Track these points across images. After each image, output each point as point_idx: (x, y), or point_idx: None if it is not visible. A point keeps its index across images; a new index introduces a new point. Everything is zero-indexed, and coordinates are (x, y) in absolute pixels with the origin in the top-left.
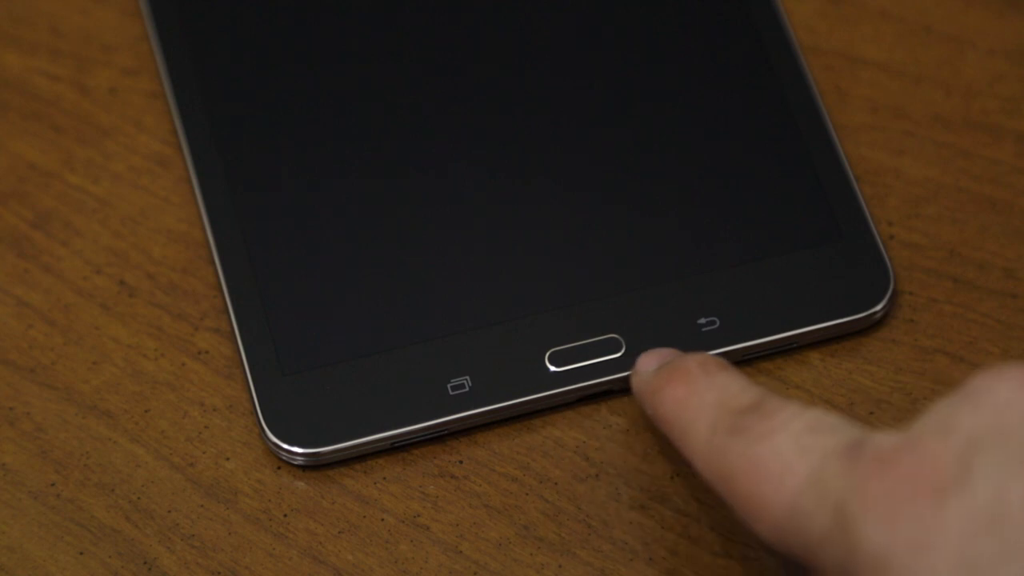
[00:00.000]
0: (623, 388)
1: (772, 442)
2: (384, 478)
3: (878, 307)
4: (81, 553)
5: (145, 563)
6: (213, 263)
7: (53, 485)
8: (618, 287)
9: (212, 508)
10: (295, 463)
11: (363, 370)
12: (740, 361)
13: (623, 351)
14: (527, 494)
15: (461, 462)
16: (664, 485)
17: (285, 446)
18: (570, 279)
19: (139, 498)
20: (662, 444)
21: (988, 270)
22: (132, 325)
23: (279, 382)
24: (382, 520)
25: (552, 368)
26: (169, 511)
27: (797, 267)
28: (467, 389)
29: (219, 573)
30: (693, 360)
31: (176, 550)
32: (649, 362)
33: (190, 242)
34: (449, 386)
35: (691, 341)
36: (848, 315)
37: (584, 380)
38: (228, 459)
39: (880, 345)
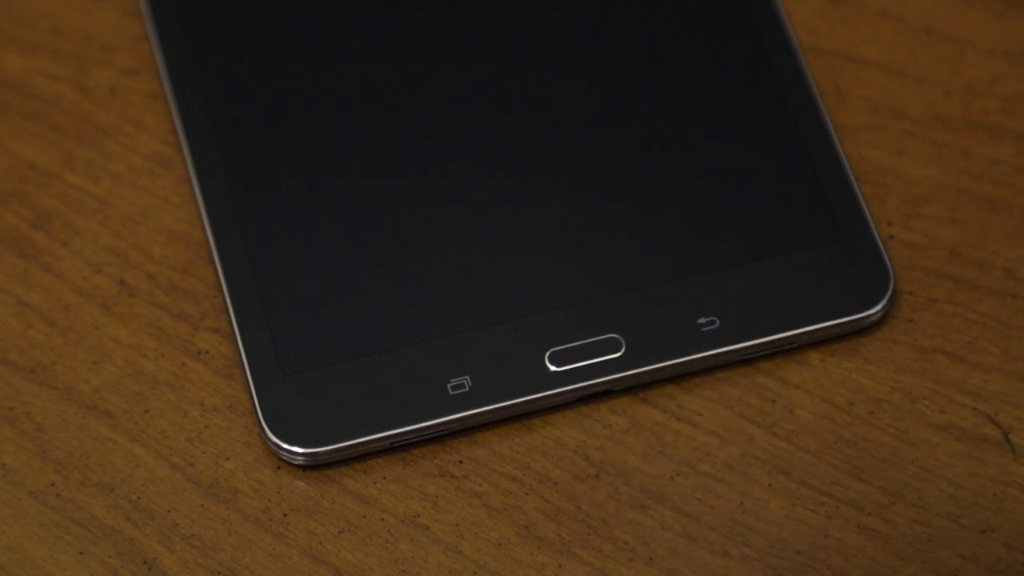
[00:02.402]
0: (623, 388)
1: None
2: (384, 478)
3: (878, 307)
4: (81, 553)
5: (145, 563)
6: (213, 263)
7: (53, 485)
8: (618, 287)
9: (212, 508)
10: (295, 463)
11: (363, 370)
12: (740, 361)
13: (623, 351)
14: (527, 494)
15: (461, 462)
16: (664, 485)
17: (285, 446)
18: (570, 279)
19: (139, 498)
20: (662, 444)
21: (988, 270)
22: (132, 325)
23: (279, 382)
24: (382, 520)
25: (552, 368)
26: (169, 511)
27: (797, 267)
28: (467, 389)
29: (219, 573)
30: None
31: (176, 550)
32: None
33: (190, 242)
34: (449, 386)
35: (691, 341)
36: (848, 315)
37: (584, 380)
38: (228, 459)
39: (880, 345)
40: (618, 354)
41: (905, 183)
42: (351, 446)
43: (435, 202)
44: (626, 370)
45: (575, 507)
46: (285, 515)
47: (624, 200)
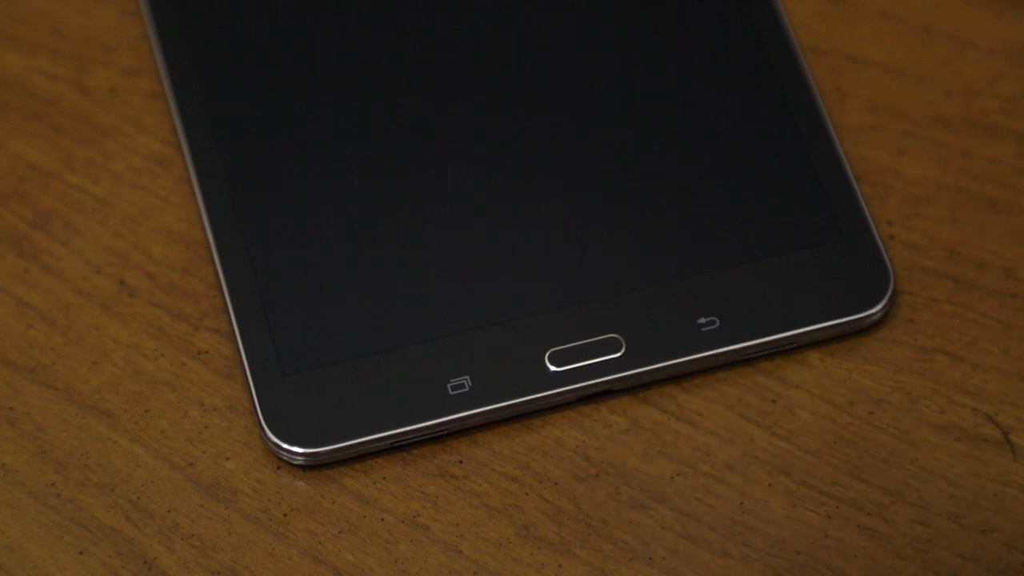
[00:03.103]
0: (623, 388)
1: None
2: (384, 478)
3: (878, 307)
4: (81, 553)
5: (145, 563)
6: (213, 263)
7: (53, 485)
8: (618, 287)
9: (212, 508)
10: (295, 463)
11: (363, 370)
12: (740, 361)
13: (623, 351)
14: (527, 494)
15: (461, 462)
16: (664, 485)
17: (285, 446)
18: (570, 279)
19: (139, 498)
20: (662, 444)
21: (988, 270)
22: (132, 325)
23: (279, 382)
24: (382, 520)
25: (552, 368)
26: (169, 511)
27: (797, 267)
28: (467, 389)
29: (219, 573)
30: None
31: (176, 550)
32: None
33: (190, 242)
34: (449, 386)
35: (691, 341)
36: (848, 315)
37: (584, 380)
38: (228, 459)
39: (880, 345)
40: (618, 354)
41: (905, 183)
42: (351, 446)
43: (435, 202)
44: (626, 370)
45: (575, 507)
46: (285, 515)
47: (624, 200)
